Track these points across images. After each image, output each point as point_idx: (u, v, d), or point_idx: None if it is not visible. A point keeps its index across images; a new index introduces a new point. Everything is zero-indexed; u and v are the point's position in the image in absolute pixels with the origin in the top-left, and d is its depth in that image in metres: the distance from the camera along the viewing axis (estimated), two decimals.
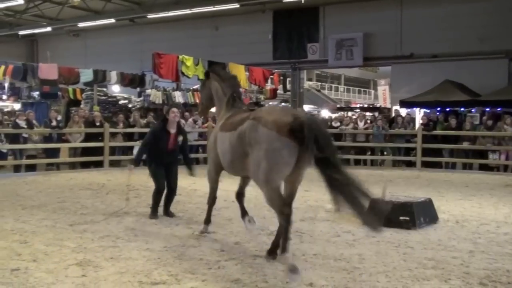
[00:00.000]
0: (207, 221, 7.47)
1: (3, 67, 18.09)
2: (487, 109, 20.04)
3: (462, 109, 21.18)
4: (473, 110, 20.88)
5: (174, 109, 8.68)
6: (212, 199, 7.32)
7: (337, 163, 5.35)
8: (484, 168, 16.70)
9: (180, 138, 8.72)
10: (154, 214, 8.64)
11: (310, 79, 47.26)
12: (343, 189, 5.22)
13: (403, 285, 5.31)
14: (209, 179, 7.20)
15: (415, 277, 5.56)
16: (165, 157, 8.61)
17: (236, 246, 6.71)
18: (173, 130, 8.61)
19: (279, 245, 5.81)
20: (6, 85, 23.74)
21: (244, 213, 7.17)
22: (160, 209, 8.79)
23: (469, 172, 16.57)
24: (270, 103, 29.58)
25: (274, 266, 5.85)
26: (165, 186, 8.69)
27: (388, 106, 29.34)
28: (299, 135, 5.31)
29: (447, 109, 20.50)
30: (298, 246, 6.83)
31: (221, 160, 6.53)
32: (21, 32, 33.89)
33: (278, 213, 5.62)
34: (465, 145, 16.88)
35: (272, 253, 6.17)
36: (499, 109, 19.73)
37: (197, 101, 20.40)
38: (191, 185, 12.43)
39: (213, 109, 8.00)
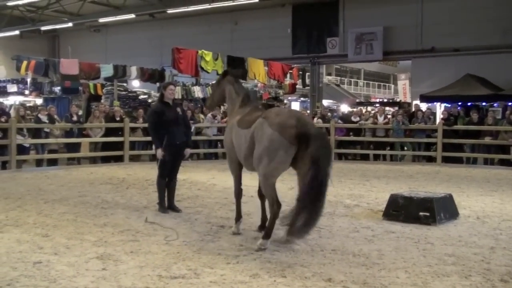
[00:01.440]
0: (238, 217, 7.35)
1: (25, 62, 18.31)
2: (510, 104, 19.73)
3: (484, 103, 20.92)
4: (495, 105, 20.61)
5: (171, 86, 8.82)
6: (237, 192, 7.36)
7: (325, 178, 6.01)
8: (506, 163, 16.45)
9: (178, 109, 8.71)
10: (162, 206, 8.65)
11: (329, 74, 47.08)
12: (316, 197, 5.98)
13: (422, 281, 5.27)
14: (231, 170, 7.39)
15: (435, 273, 5.51)
16: (176, 133, 8.43)
17: (255, 240, 6.71)
18: (171, 105, 8.62)
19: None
20: (29, 80, 24.11)
21: (263, 217, 7.33)
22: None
23: (491, 167, 16.35)
24: (289, 97, 29.64)
25: (293, 261, 5.85)
26: (167, 172, 8.63)
27: (408, 100, 29.16)
28: (300, 139, 6.00)
29: (469, 104, 20.29)
30: (316, 241, 6.82)
31: (237, 155, 6.94)
32: (43, 28, 34.25)
33: (270, 205, 6.41)
34: (487, 140, 16.66)
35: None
36: None
37: None
38: (210, 179, 12.50)
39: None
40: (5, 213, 8.31)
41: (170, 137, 8.39)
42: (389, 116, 19.54)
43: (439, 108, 21.65)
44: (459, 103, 19.87)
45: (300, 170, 6.20)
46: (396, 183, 12.60)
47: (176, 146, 8.52)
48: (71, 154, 16.11)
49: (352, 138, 18.28)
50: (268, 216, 6.69)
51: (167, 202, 8.73)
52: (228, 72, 8.00)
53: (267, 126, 6.20)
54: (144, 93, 22.28)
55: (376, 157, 18.36)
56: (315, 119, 19.31)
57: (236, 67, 20.08)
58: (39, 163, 15.43)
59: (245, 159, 6.71)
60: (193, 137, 17.47)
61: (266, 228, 6.47)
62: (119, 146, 16.18)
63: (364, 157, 18.34)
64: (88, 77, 19.52)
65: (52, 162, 15.50)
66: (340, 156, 18.18)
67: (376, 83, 55.09)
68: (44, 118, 15.33)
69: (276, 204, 6.33)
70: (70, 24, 32.95)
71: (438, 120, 18.79)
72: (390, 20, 25.34)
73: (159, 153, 8.36)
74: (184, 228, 7.50)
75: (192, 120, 17.38)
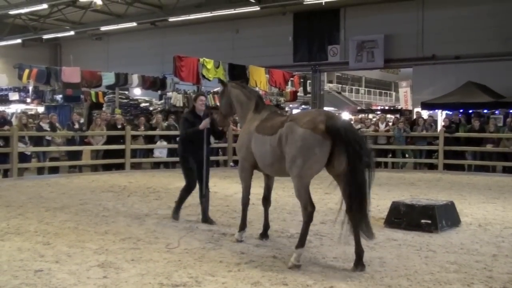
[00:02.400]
0: (243, 226, 7.30)
1: (27, 70, 18.37)
2: (511, 111, 19.73)
3: (485, 110, 20.91)
4: (496, 112, 20.59)
5: (202, 97, 8.79)
6: (245, 202, 7.31)
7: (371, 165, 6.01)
8: (508, 170, 16.44)
9: (208, 120, 8.42)
10: (176, 213, 8.61)
11: (330, 81, 47.15)
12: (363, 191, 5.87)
13: None
14: (242, 179, 7.29)
15: (437, 281, 5.50)
16: (201, 144, 8.32)
17: (256, 248, 6.70)
18: (202, 116, 8.52)
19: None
20: (31, 88, 24.14)
21: (266, 224, 7.36)
22: (183, 212, 8.81)
23: (493, 174, 16.33)
24: (291, 105, 29.66)
25: (295, 269, 5.83)
26: (196, 184, 8.54)
27: (410, 108, 29.12)
28: (332, 133, 5.82)
29: (470, 111, 20.26)
30: (318, 249, 6.81)
31: (258, 161, 6.78)
32: (45, 36, 34.36)
33: (303, 208, 6.11)
34: (489, 147, 16.66)
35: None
36: None
37: (217, 103, 20.50)
38: (211, 187, 12.45)
39: None
40: (6, 221, 8.31)
41: (197, 145, 8.33)
42: (390, 124, 19.54)
43: (441, 116, 21.63)
44: (461, 111, 19.86)
45: (335, 170, 6.03)
46: (397, 190, 12.58)
47: (201, 155, 8.37)
48: (72, 162, 16.12)
49: None
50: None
51: (202, 215, 8.56)
52: (227, 82, 7.91)
53: (298, 127, 6.01)
54: (146, 101, 22.30)
55: (378, 165, 18.33)
56: None
57: (237, 75, 20.16)
58: (40, 171, 15.43)
59: (271, 166, 6.56)
60: None
61: (300, 236, 6.12)
62: (120, 154, 16.20)
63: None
64: (89, 85, 19.57)
65: (54, 170, 15.51)
66: None
67: (377, 90, 55.17)
68: (45, 126, 15.35)
69: (310, 206, 6.05)
70: (72, 33, 33.04)
71: (439, 128, 18.79)
72: (391, 28, 25.39)
73: (205, 123, 8.20)
74: (185, 235, 7.49)
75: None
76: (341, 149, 5.83)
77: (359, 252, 5.95)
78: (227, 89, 7.70)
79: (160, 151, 17.12)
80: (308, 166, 5.97)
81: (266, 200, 7.38)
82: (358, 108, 40.87)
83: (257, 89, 22.21)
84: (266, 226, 7.40)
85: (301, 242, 6.03)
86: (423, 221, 7.90)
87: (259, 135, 6.70)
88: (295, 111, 35.15)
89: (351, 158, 5.76)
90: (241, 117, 7.54)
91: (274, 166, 6.49)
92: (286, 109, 28.10)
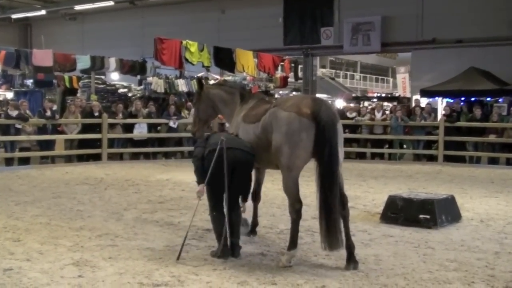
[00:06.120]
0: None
1: None
2: None
3: (488, 99, 21.03)
4: (500, 100, 20.73)
5: None
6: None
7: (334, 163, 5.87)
8: None
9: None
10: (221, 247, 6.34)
11: (323, 66, 47.17)
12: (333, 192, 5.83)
13: None
14: None
15: (436, 280, 5.55)
16: None
17: (244, 245, 6.73)
18: None
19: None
20: None
21: (254, 220, 7.42)
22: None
23: (495, 167, 16.46)
24: (281, 91, 29.67)
25: (284, 267, 5.86)
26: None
27: (408, 95, 29.24)
28: (317, 116, 5.82)
29: (472, 99, 20.37)
30: (309, 246, 6.85)
31: None
32: (14, 16, 34.01)
33: (290, 204, 6.08)
34: (491, 137, 16.78)
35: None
36: None
37: None
38: (195, 180, 12.45)
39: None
40: None
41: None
42: (387, 112, 19.60)
43: (441, 104, 21.74)
44: (462, 98, 19.97)
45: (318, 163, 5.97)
46: (394, 183, 12.67)
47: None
48: (44, 153, 16.02)
49: (348, 135, 18.29)
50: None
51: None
52: (202, 79, 7.81)
53: (282, 111, 6.03)
54: (124, 87, 22.15)
55: (374, 156, 18.43)
56: None
57: (223, 59, 20.10)
58: (9, 162, 15.31)
59: (258, 157, 6.45)
60: (177, 134, 17.58)
61: (290, 237, 6.07)
62: (96, 143, 16.12)
63: (361, 156, 18.40)
64: (63, 69, 19.39)
65: (24, 161, 15.41)
66: None
67: (374, 76, 55.30)
68: (14, 113, 15.20)
69: (297, 203, 6.00)
70: (43, 12, 32.71)
71: (439, 117, 18.88)
72: (389, 9, 25.38)
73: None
74: (167, 232, 7.50)
75: (176, 116, 17.38)
76: (321, 140, 5.82)
77: (349, 246, 5.99)
78: (205, 92, 7.57)
79: (141, 127, 16.99)
80: (296, 154, 5.90)
81: (256, 196, 7.38)
82: (353, 95, 40.97)
83: (244, 74, 22.22)
84: (255, 222, 7.43)
85: (293, 243, 6.04)
86: (421, 216, 7.96)
87: (245, 124, 6.72)
88: None
89: (325, 159, 5.78)
90: (228, 115, 7.46)
91: (262, 157, 6.46)
92: (276, 95, 28.12)
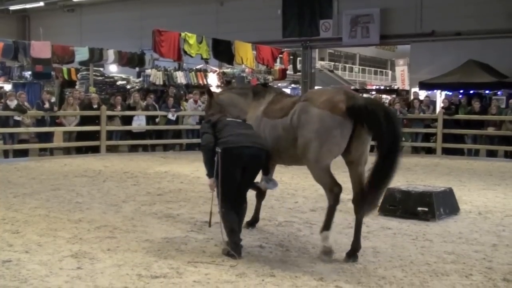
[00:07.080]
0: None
1: None
2: None
3: (487, 91, 21.03)
4: (499, 93, 20.73)
5: None
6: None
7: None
8: (510, 155, 16.61)
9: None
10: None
11: (322, 59, 47.08)
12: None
13: (420, 280, 5.32)
14: None
15: (434, 272, 5.57)
16: None
17: (242, 237, 6.73)
18: None
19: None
20: None
21: (255, 216, 7.36)
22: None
23: (494, 159, 16.48)
24: (279, 84, 29.63)
25: (283, 259, 5.87)
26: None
27: (407, 88, 29.19)
28: (354, 113, 5.70)
29: (471, 92, 20.36)
30: (308, 238, 6.86)
31: (270, 149, 6.42)
32: (12, 7, 33.84)
33: (328, 191, 6.00)
34: (490, 130, 16.79)
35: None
36: None
37: (200, 82, 20.45)
38: (194, 172, 12.49)
39: None
40: None
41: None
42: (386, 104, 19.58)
43: (440, 96, 21.73)
44: (461, 91, 19.96)
45: (351, 156, 6.08)
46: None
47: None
48: (43, 145, 15.99)
49: None
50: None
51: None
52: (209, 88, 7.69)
53: (313, 107, 5.88)
54: (122, 79, 22.10)
55: (372, 148, 18.39)
56: None
57: (221, 51, 20.07)
58: (7, 154, 15.30)
59: (285, 152, 6.34)
60: (176, 126, 17.57)
61: (324, 221, 6.03)
62: (95, 135, 16.10)
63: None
64: (61, 61, 19.34)
65: (22, 153, 15.37)
66: None
67: (373, 69, 55.21)
68: (13, 105, 15.17)
69: (336, 187, 5.92)
70: (41, 3, 32.57)
71: (438, 109, 18.88)
72: (388, 2, 25.31)
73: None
74: (165, 224, 7.51)
75: (174, 108, 17.35)
76: (364, 132, 5.84)
77: (356, 247, 5.98)
78: (216, 99, 7.40)
79: (140, 119, 16.97)
80: (326, 149, 5.86)
81: (260, 192, 7.31)
82: (352, 87, 40.93)
83: (243, 66, 22.19)
84: (256, 218, 7.40)
85: (327, 226, 5.99)
86: (419, 208, 7.98)
87: (268, 120, 6.51)
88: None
89: (385, 141, 5.80)
90: (243, 113, 7.06)
91: (289, 152, 6.30)
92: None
